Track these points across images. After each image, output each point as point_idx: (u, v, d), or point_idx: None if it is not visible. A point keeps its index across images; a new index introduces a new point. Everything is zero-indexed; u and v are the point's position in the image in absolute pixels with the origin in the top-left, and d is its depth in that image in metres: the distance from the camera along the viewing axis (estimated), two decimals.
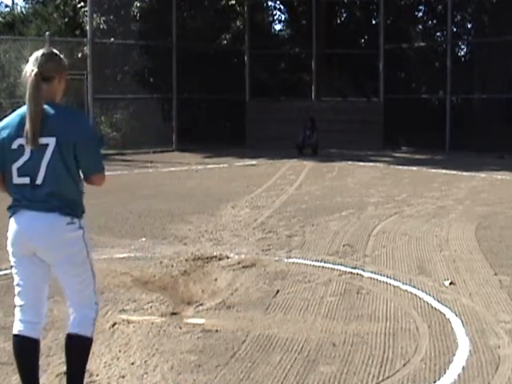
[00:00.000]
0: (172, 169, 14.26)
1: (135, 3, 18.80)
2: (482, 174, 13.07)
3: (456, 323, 4.42)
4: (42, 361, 3.72)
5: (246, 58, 20.15)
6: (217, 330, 4.24)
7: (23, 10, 25.51)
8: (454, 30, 20.03)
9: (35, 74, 2.95)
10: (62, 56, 3.13)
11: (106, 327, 4.29)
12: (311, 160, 15.76)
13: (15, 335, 3.16)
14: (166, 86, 18.37)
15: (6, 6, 39.65)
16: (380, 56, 19.39)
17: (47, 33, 16.40)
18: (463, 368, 3.70)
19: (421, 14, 22.50)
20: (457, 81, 18.29)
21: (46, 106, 2.97)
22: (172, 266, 5.83)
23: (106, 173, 3.23)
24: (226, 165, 14.83)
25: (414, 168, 14.43)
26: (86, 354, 3.17)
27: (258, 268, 5.80)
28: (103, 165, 3.26)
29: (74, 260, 3.07)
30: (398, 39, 19.82)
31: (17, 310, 3.20)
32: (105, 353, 3.87)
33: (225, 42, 21.07)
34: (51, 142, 2.96)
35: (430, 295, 5.05)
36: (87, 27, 17.35)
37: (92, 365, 3.69)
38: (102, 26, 18.17)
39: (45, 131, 2.94)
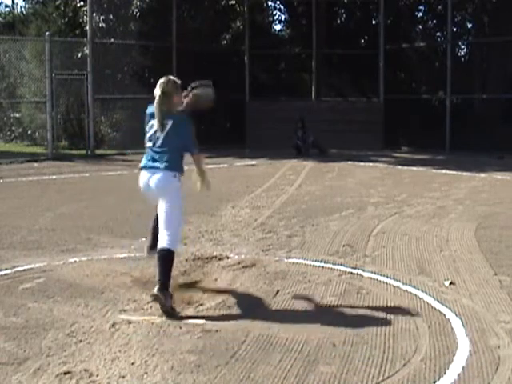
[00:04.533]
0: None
1: (135, 3, 18.79)
2: (482, 174, 13.07)
3: (456, 323, 4.42)
4: (42, 361, 3.74)
5: (245, 58, 20.14)
6: (217, 330, 4.24)
7: (23, 9, 25.50)
8: (454, 30, 20.01)
9: (160, 93, 4.91)
10: (178, 81, 5.10)
11: (106, 327, 4.29)
12: (311, 160, 15.77)
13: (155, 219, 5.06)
14: None
15: (6, 6, 39.70)
16: (380, 56, 19.38)
17: (47, 33, 16.39)
18: (463, 368, 3.70)
19: (421, 14, 22.49)
20: (457, 81, 18.28)
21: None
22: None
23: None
24: (225, 165, 14.83)
25: (414, 168, 14.43)
26: (168, 260, 4.68)
27: (258, 268, 5.79)
28: (194, 148, 4.96)
29: (172, 199, 4.85)
30: (398, 39, 19.82)
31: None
32: (105, 353, 3.87)
33: (225, 42, 21.06)
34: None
35: (430, 295, 5.05)
36: (87, 27, 17.35)
37: (92, 365, 3.70)
38: (101, 25, 18.16)
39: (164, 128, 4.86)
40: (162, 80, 5.06)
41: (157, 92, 4.95)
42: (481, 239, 7.03)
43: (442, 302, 4.86)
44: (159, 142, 4.88)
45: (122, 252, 6.44)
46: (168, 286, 4.61)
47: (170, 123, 4.87)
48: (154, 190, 4.92)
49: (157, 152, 4.90)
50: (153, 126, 4.92)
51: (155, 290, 4.54)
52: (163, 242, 4.73)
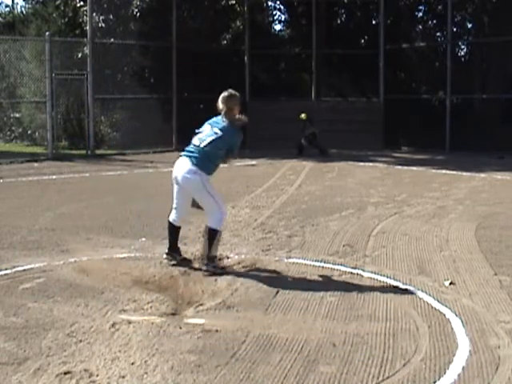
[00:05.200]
0: (172, 169, 14.25)
1: (135, 3, 18.79)
2: (482, 174, 13.07)
3: (456, 323, 4.42)
4: (42, 361, 3.74)
5: (245, 58, 20.14)
6: (217, 330, 4.24)
7: (23, 9, 25.48)
8: (454, 30, 20.01)
9: (224, 107, 5.68)
10: (237, 94, 5.77)
11: (106, 327, 4.29)
12: (311, 160, 15.76)
13: (169, 221, 5.95)
14: (166, 86, 18.36)
15: (6, 6, 39.67)
16: (380, 56, 19.39)
17: (47, 33, 16.38)
18: (463, 368, 3.70)
19: (421, 14, 22.48)
20: (457, 81, 18.28)
21: (226, 120, 5.72)
22: (172, 265, 5.84)
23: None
24: (226, 165, 14.79)
25: (414, 168, 14.43)
26: (216, 238, 5.64)
27: (257, 268, 5.80)
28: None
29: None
30: (398, 39, 19.81)
31: (173, 209, 5.90)
32: (105, 353, 3.87)
33: (225, 42, 21.06)
34: (219, 134, 5.65)
35: (430, 295, 5.05)
36: (87, 27, 17.35)
37: (92, 365, 3.70)
38: (101, 25, 18.16)
39: (218, 128, 5.67)
40: (225, 94, 5.74)
41: (220, 106, 5.72)
42: (481, 239, 7.03)
43: (442, 302, 4.86)
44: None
45: (122, 252, 6.44)
46: (212, 257, 5.63)
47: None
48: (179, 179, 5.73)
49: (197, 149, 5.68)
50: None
51: (203, 267, 5.60)
52: (212, 222, 5.69)
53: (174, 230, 5.95)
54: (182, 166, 5.67)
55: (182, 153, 5.77)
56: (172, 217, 5.95)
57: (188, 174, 5.61)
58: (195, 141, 5.71)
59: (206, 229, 5.73)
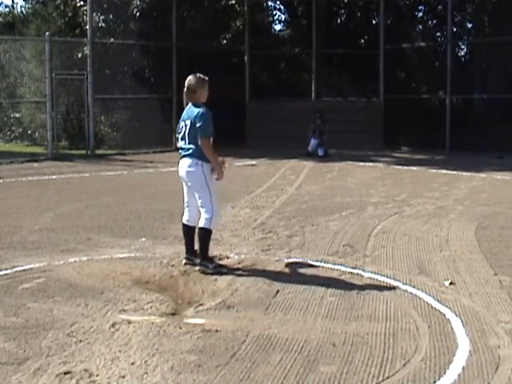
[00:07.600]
0: (172, 169, 14.20)
1: (135, 3, 18.78)
2: (482, 174, 13.07)
3: (456, 323, 4.42)
4: (42, 361, 3.74)
5: (245, 58, 20.14)
6: (217, 330, 4.24)
7: (23, 9, 25.49)
8: (454, 30, 20.01)
9: (185, 90, 5.77)
10: (203, 77, 5.81)
11: (106, 327, 4.29)
12: (311, 160, 15.77)
13: (183, 223, 5.92)
14: (166, 85, 18.35)
15: (6, 6, 39.65)
16: (380, 56, 19.38)
17: (47, 33, 16.37)
18: (463, 368, 3.70)
19: (421, 14, 22.50)
20: (457, 81, 18.28)
21: (191, 105, 5.76)
22: (172, 265, 5.84)
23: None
24: (226, 165, 14.79)
25: (414, 168, 14.43)
26: (206, 238, 5.67)
27: (257, 268, 5.80)
28: (206, 135, 5.62)
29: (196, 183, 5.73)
30: (398, 39, 19.81)
31: (185, 210, 5.90)
32: (105, 353, 3.87)
33: (225, 41, 21.06)
34: (188, 123, 5.69)
35: (430, 295, 5.05)
36: (87, 27, 17.35)
37: (92, 365, 3.70)
38: (101, 25, 18.16)
39: (186, 117, 5.73)
40: (189, 77, 5.84)
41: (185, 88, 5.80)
42: (481, 239, 7.04)
43: (442, 302, 4.86)
44: (186, 139, 5.71)
45: (122, 252, 6.44)
46: (207, 257, 5.67)
47: (190, 115, 5.70)
48: (182, 175, 5.79)
49: (184, 145, 5.77)
50: (182, 127, 5.76)
51: (197, 267, 5.65)
52: (203, 222, 5.67)
53: (189, 232, 5.88)
54: (184, 163, 5.76)
55: (180, 155, 5.82)
56: (185, 218, 5.90)
57: (190, 168, 5.69)
58: (180, 143, 5.78)
59: (200, 230, 5.74)
